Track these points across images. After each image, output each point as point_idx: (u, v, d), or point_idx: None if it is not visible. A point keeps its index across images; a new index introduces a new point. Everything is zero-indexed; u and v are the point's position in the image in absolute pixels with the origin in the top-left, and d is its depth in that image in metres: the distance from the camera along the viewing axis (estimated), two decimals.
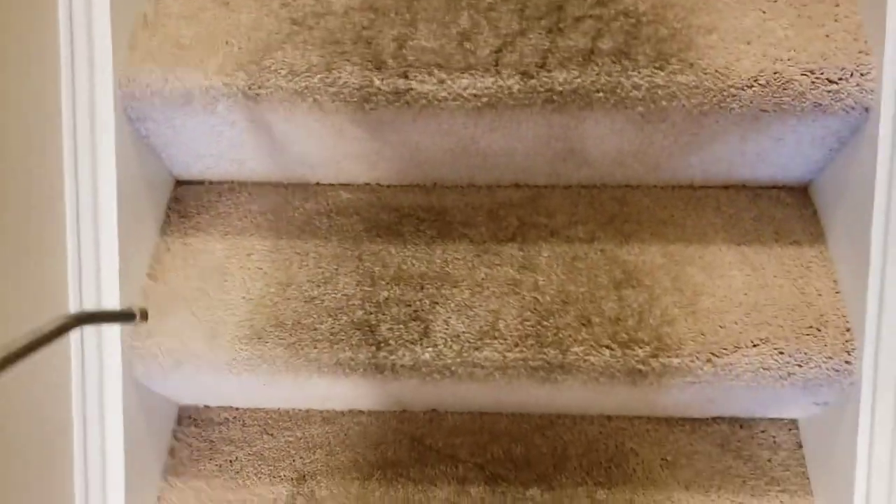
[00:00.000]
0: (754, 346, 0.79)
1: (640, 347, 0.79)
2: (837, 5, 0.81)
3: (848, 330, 0.79)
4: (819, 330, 0.80)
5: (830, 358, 0.78)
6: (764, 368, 0.78)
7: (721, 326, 0.80)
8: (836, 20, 0.79)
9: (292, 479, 0.88)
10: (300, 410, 0.92)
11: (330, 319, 0.81)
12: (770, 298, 0.82)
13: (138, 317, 0.77)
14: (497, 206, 0.90)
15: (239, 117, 0.80)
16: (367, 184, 0.92)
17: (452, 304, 0.82)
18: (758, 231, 0.87)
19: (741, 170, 0.87)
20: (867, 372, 0.77)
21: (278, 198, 0.91)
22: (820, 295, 0.82)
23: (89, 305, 0.78)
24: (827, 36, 0.78)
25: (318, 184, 0.92)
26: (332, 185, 0.92)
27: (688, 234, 0.86)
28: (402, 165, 0.88)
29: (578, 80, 0.76)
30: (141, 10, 0.83)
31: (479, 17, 0.81)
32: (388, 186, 0.92)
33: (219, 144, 0.85)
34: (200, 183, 0.92)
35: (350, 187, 0.92)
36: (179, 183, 0.93)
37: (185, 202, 0.91)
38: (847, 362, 0.78)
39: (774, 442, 0.91)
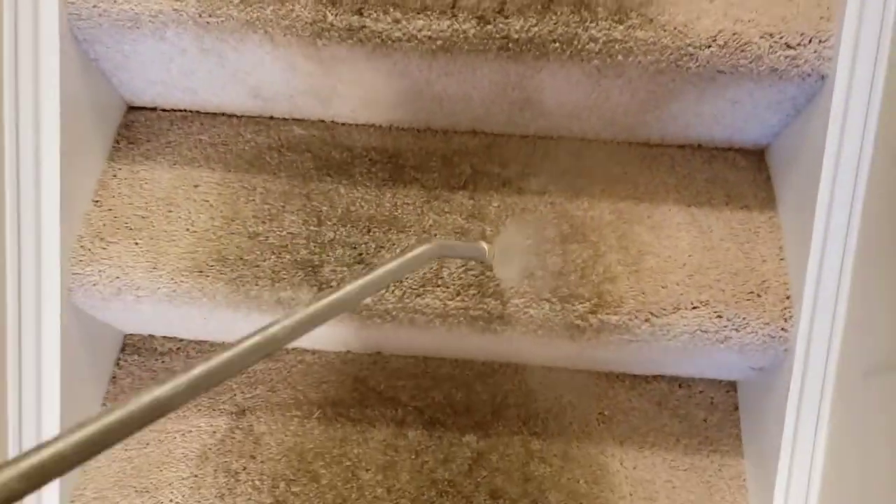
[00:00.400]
0: (693, 308, 0.79)
1: (580, 303, 0.79)
2: None
3: (788, 297, 0.80)
4: (759, 296, 0.80)
5: (767, 324, 0.79)
6: (701, 331, 0.79)
7: (663, 287, 0.81)
8: None
9: (232, 412, 0.89)
10: None
11: (273, 257, 0.80)
12: (714, 261, 0.82)
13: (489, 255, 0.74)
14: (452, 152, 0.89)
15: (189, 45, 0.78)
16: (322, 120, 0.91)
17: (398, 249, 0.82)
18: (709, 193, 0.87)
19: (697, 130, 0.87)
20: (801, 340, 0.78)
21: (230, 129, 0.89)
22: (764, 261, 0.83)
23: (27, 224, 0.77)
24: (789, 0, 0.77)
25: (271, 117, 0.91)
26: (285, 119, 0.91)
27: (639, 192, 0.86)
28: (357, 104, 0.87)
29: (535, 28, 0.74)
30: None
31: None
32: (343, 124, 0.91)
33: (170, 72, 0.83)
34: (153, 110, 0.91)
35: (304, 123, 0.90)
36: (131, 109, 0.91)
37: (136, 129, 0.89)
38: (783, 329, 0.79)
39: (711, 403, 0.93)
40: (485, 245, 0.74)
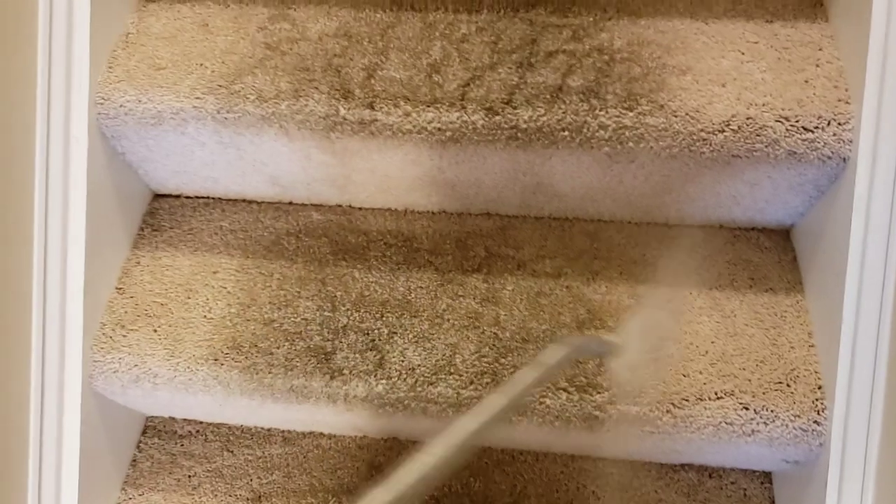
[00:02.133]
0: (718, 398, 0.76)
1: (598, 393, 0.77)
2: (820, 49, 0.78)
3: (820, 387, 0.76)
4: (788, 385, 0.76)
5: (798, 416, 0.75)
6: (726, 423, 0.75)
7: (684, 375, 0.77)
8: (817, 65, 0.77)
9: (248, 498, 0.88)
10: (262, 429, 0.93)
11: (287, 344, 0.81)
12: (739, 348, 0.79)
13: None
14: (466, 234, 0.89)
15: (208, 139, 0.81)
16: (339, 205, 0.92)
17: (411, 335, 0.81)
18: (732, 275, 0.84)
19: (717, 210, 0.85)
20: (836, 434, 0.74)
21: (250, 216, 0.91)
22: (793, 347, 0.79)
23: (52, 312, 0.79)
24: (806, 81, 0.75)
25: (290, 203, 0.92)
26: (304, 204, 0.92)
27: (658, 275, 0.84)
28: (372, 190, 0.88)
29: (544, 118, 0.75)
30: (124, 30, 0.84)
31: (452, 48, 0.81)
32: (360, 209, 0.92)
33: (191, 162, 0.86)
34: (177, 197, 0.94)
35: (322, 208, 0.92)
36: (157, 196, 0.94)
37: (160, 216, 0.92)
38: (816, 422, 0.75)
39: (745, 495, 0.88)
40: (613, 338, 0.73)
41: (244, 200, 0.93)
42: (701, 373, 0.77)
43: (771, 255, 0.85)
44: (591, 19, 0.82)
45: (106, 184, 0.83)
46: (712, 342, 0.79)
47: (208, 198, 0.93)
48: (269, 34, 0.83)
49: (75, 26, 0.79)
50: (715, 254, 0.85)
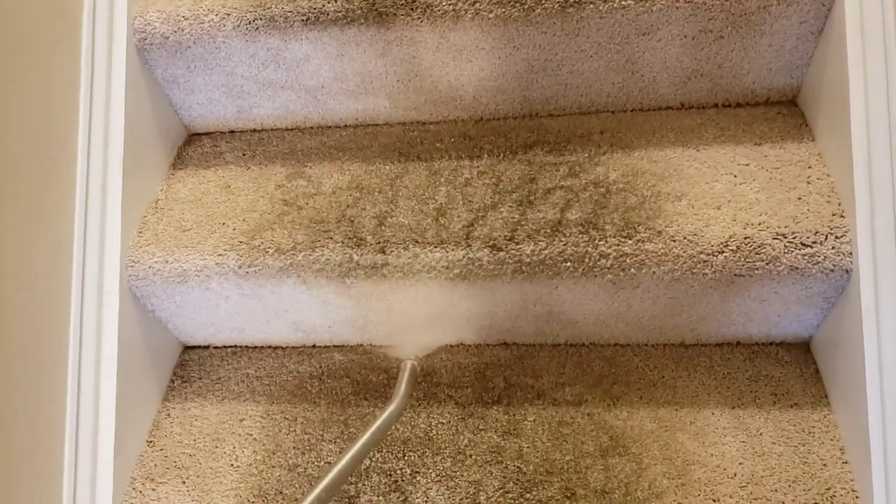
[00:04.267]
0: None
1: None
2: (810, 167, 0.81)
3: None
4: None
5: None
6: None
7: (714, 500, 0.75)
8: (808, 182, 0.79)
9: None
10: None
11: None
12: (768, 468, 0.77)
13: None
14: (484, 366, 0.90)
15: (231, 292, 0.86)
16: (360, 344, 0.95)
17: (433, 474, 0.81)
18: (754, 393, 0.83)
19: (732, 328, 0.85)
20: None
21: (275, 361, 0.94)
22: (825, 465, 0.76)
23: (84, 470, 0.81)
24: (799, 198, 0.78)
25: (314, 346, 0.95)
26: (326, 346, 0.95)
27: (678, 396, 0.84)
28: (390, 329, 0.91)
29: (546, 251, 0.78)
30: (154, 197, 0.92)
31: (456, 192, 0.86)
32: (380, 346, 0.94)
33: (217, 315, 0.90)
34: (205, 348, 0.98)
35: (343, 348, 0.95)
36: (187, 348, 0.98)
37: (190, 367, 0.96)
38: None
39: None
40: None
41: (270, 347, 0.96)
42: (731, 497, 0.75)
43: (792, 369, 0.84)
44: (587, 155, 0.87)
45: (137, 341, 0.88)
46: (740, 463, 0.77)
47: (235, 346, 0.97)
48: (286, 191, 0.89)
49: (109, 199, 0.86)
50: (735, 371, 0.85)
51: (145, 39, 0.88)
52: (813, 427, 0.79)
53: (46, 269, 0.79)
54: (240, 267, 0.83)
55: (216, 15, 0.86)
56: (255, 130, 1.00)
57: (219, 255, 0.84)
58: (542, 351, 0.90)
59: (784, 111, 0.89)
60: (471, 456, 0.82)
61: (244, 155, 0.96)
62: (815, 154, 0.82)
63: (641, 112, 0.92)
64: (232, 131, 1.00)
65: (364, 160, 0.92)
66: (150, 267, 0.85)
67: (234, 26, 0.86)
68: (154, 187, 0.93)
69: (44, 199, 0.80)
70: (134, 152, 0.88)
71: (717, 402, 0.83)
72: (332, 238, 0.83)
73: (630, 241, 0.77)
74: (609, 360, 0.88)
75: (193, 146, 0.99)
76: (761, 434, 0.79)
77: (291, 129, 0.99)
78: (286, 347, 0.96)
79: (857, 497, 0.74)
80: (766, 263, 0.75)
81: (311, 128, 0.98)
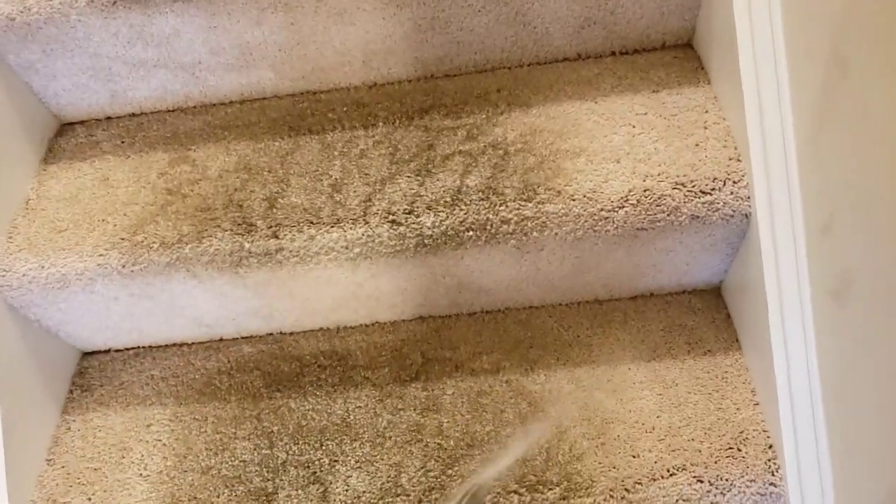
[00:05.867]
0: (671, 475, 0.74)
1: (550, 489, 0.74)
2: (706, 112, 0.79)
3: (771, 447, 0.74)
4: (739, 450, 0.74)
5: (753, 481, 0.73)
6: (683, 500, 0.73)
7: (634, 456, 0.75)
8: (705, 127, 0.78)
9: None
10: None
11: (227, 491, 0.78)
12: (685, 418, 0.77)
13: None
14: (401, 342, 0.87)
15: (119, 293, 0.80)
16: (270, 333, 0.90)
17: (353, 461, 0.78)
18: (669, 343, 0.83)
19: (642, 280, 0.84)
20: (794, 494, 0.71)
21: (181, 359, 0.89)
22: (738, 409, 0.77)
23: None
24: (697, 145, 0.77)
25: (221, 339, 0.91)
26: (234, 339, 0.91)
27: (594, 354, 0.83)
28: (297, 315, 0.87)
29: (447, 221, 0.75)
30: (24, 196, 0.84)
31: (351, 165, 0.81)
32: (290, 334, 0.90)
33: (110, 318, 0.84)
34: (106, 352, 0.92)
35: (252, 339, 0.90)
36: (86, 354, 0.92)
37: (90, 375, 0.90)
38: (773, 484, 0.73)
39: None
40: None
41: (174, 345, 0.91)
42: (650, 451, 0.75)
43: (705, 316, 0.84)
44: (484, 116, 0.83)
45: (21, 355, 0.81)
46: (658, 416, 0.77)
47: (138, 348, 0.91)
48: (169, 179, 0.83)
49: None
50: (649, 324, 0.85)
51: None
52: (726, 372, 0.80)
53: None
54: (123, 266, 0.77)
55: None
56: (133, 115, 0.92)
57: (99, 255, 0.77)
58: (458, 321, 0.88)
59: (680, 55, 0.87)
60: (390, 438, 0.79)
61: (122, 143, 0.89)
62: (712, 97, 0.81)
63: (538, 66, 0.89)
64: (108, 118, 0.92)
65: (251, 138, 0.86)
66: (24, 275, 0.78)
67: (88, 2, 0.78)
68: (23, 186, 0.85)
69: None
70: None
71: (633, 357, 0.82)
72: (220, 226, 0.78)
73: (530, 204, 0.75)
74: (524, 324, 0.87)
75: (66, 137, 0.91)
76: (677, 385, 0.79)
77: (172, 111, 0.92)
78: (192, 344, 0.91)
79: (767, 437, 0.75)
80: (667, 214, 0.74)
81: (194, 107, 0.91)
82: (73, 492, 0.80)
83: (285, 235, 0.76)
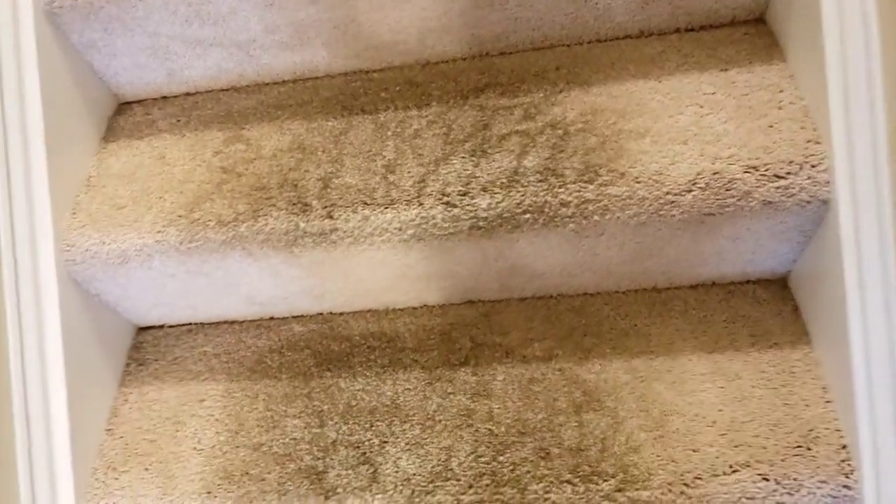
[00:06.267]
0: (733, 471, 0.71)
1: (605, 480, 0.72)
2: (781, 91, 0.75)
3: (844, 447, 0.70)
4: (809, 448, 0.71)
5: (825, 482, 0.69)
6: (747, 498, 0.70)
7: (694, 450, 0.72)
8: (779, 107, 0.74)
9: None
10: None
11: (277, 468, 0.78)
12: (749, 413, 0.74)
13: None
14: (450, 326, 0.86)
15: (176, 269, 0.81)
16: (320, 313, 0.90)
17: (403, 442, 0.78)
18: (731, 335, 0.79)
19: (704, 268, 0.81)
20: (870, 497, 0.67)
21: (232, 337, 0.90)
22: (807, 405, 0.73)
23: (39, 465, 0.78)
24: (771, 126, 0.72)
25: (272, 318, 0.91)
26: (285, 318, 0.91)
27: (653, 344, 0.80)
28: (348, 295, 0.86)
29: (503, 204, 0.73)
30: (85, 174, 0.86)
31: (405, 145, 0.80)
32: (340, 314, 0.90)
33: (166, 294, 0.86)
34: (160, 328, 0.93)
35: (303, 318, 0.90)
36: (141, 330, 0.94)
37: (145, 349, 0.91)
38: (846, 486, 0.69)
39: None
40: None
41: (226, 322, 0.92)
42: (711, 446, 0.72)
43: (770, 307, 0.80)
44: (542, 95, 0.80)
45: (83, 328, 0.83)
46: (719, 410, 0.74)
47: (191, 324, 0.92)
48: (224, 157, 0.83)
49: (34, 180, 0.80)
50: (710, 314, 0.81)
51: (53, 2, 0.80)
52: (794, 367, 0.76)
53: None
54: (181, 243, 0.78)
55: None
56: (188, 94, 0.93)
57: (158, 231, 0.78)
58: (508, 306, 0.86)
59: (751, 31, 0.82)
60: (440, 421, 0.78)
61: (178, 121, 0.89)
62: (787, 76, 0.76)
63: (599, 43, 0.85)
64: (164, 97, 0.93)
65: (305, 117, 0.85)
66: (87, 250, 0.79)
67: None
68: (85, 163, 0.86)
69: None
70: (57, 127, 0.82)
71: (694, 348, 0.79)
72: (275, 205, 0.77)
73: (592, 186, 0.72)
74: (578, 311, 0.84)
75: (125, 116, 0.92)
76: (740, 378, 0.76)
77: (227, 90, 0.92)
78: (243, 322, 0.92)
79: (841, 436, 0.71)
80: (738, 199, 0.70)
81: (248, 86, 0.91)
82: (132, 462, 0.82)
83: (339, 216, 0.75)
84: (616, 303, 0.84)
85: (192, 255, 0.78)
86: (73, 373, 0.80)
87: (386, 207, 0.75)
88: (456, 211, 0.74)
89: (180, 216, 0.79)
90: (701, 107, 0.76)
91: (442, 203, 0.74)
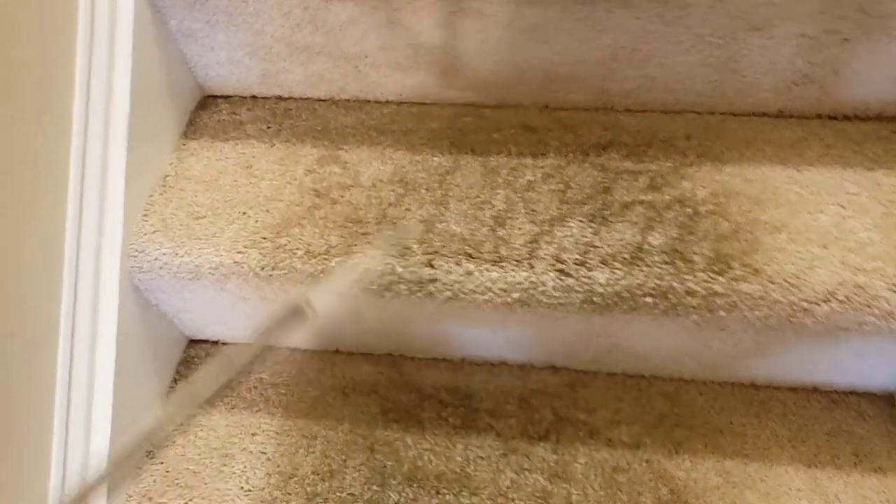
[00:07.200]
0: None
1: None
2: None
3: None
4: None
5: None
6: None
7: None
8: None
9: None
10: None
11: None
12: None
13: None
14: (530, 392, 0.80)
15: (251, 294, 0.74)
16: (389, 354, 0.84)
17: None
18: (833, 450, 0.74)
19: (813, 374, 0.76)
20: None
21: (292, 367, 0.84)
22: None
23: (73, 470, 0.72)
24: None
25: (337, 351, 0.85)
26: (351, 353, 0.85)
27: (748, 447, 0.75)
28: (426, 344, 0.80)
29: (623, 281, 0.67)
30: (162, 172, 0.79)
31: (516, 197, 0.74)
32: (412, 359, 0.84)
33: (232, 315, 0.79)
34: (214, 343, 0.87)
35: (371, 357, 0.84)
36: (192, 342, 0.87)
37: (195, 365, 0.85)
38: None
39: None
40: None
41: (287, 347, 0.86)
42: None
43: (876, 425, 0.76)
44: (671, 165, 0.75)
45: (138, 337, 0.77)
46: None
47: (249, 345, 0.86)
48: (318, 179, 0.77)
49: (110, 172, 0.73)
50: (811, 423, 0.76)
51: None
52: None
53: (33, 256, 0.67)
54: (262, 268, 0.71)
55: None
56: (280, 98, 0.86)
57: (238, 252, 0.72)
58: (595, 380, 0.81)
59: None
60: (513, 500, 0.73)
61: (268, 128, 0.83)
62: None
63: (733, 117, 0.80)
64: (254, 96, 0.87)
65: (409, 148, 0.79)
66: (156, 259, 0.73)
67: None
68: (163, 160, 0.80)
69: (33, 173, 0.67)
70: (142, 118, 0.75)
71: (791, 458, 0.74)
72: (370, 242, 0.71)
73: (722, 279, 0.66)
74: (671, 398, 0.79)
75: (209, 111, 0.86)
76: (839, 500, 0.71)
77: (323, 100, 0.85)
78: (305, 350, 0.85)
79: None
80: (879, 319, 0.65)
81: (347, 100, 0.85)
82: (171, 493, 0.75)
83: (441, 266, 0.69)
84: (711, 394, 0.79)
85: (273, 282, 0.72)
86: (121, 384, 0.74)
87: (493, 265, 0.69)
88: (570, 281, 0.68)
89: (265, 238, 0.72)
90: (843, 207, 0.70)
91: (555, 270, 0.68)
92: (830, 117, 0.79)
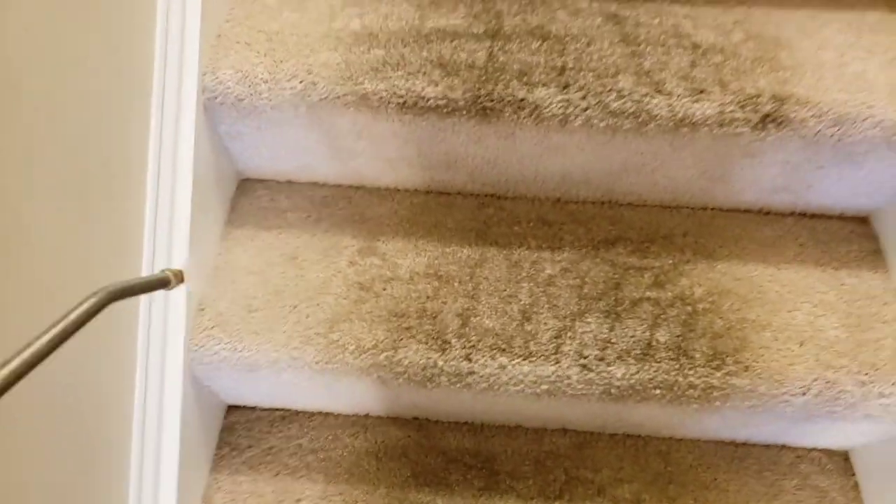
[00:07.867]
0: None
1: None
2: (885, 304, 0.83)
3: None
4: None
5: None
6: None
7: None
8: (884, 322, 0.82)
9: None
10: None
11: None
12: None
13: (173, 281, 0.72)
14: (544, 454, 0.91)
15: (303, 382, 0.82)
16: (416, 418, 0.94)
17: None
18: (799, 502, 0.89)
19: (783, 439, 0.90)
20: None
21: (328, 432, 0.92)
22: None
23: None
24: (877, 341, 0.81)
25: (367, 415, 0.94)
26: (380, 417, 0.94)
27: (730, 502, 0.88)
28: (453, 411, 0.90)
29: (636, 376, 0.78)
30: (212, 262, 0.85)
31: (539, 290, 0.84)
32: (437, 422, 0.94)
33: (278, 390, 0.87)
34: (251, 409, 0.94)
35: (398, 422, 0.93)
36: (230, 408, 0.94)
37: (237, 432, 0.92)
38: None
39: None
40: (168, 272, 0.73)
41: (320, 413, 0.94)
42: None
43: (835, 479, 0.90)
44: (671, 262, 0.86)
45: (194, 417, 0.83)
46: None
47: (284, 410, 0.94)
48: (360, 271, 0.85)
49: (174, 263, 0.79)
50: (781, 478, 0.90)
51: (215, 98, 0.78)
52: None
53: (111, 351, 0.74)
54: (316, 363, 0.79)
55: (300, 82, 0.77)
56: (315, 184, 0.93)
57: (294, 347, 0.79)
58: (599, 441, 0.93)
59: (857, 230, 0.90)
60: None
61: (308, 217, 0.89)
62: (891, 290, 0.85)
63: (721, 213, 0.91)
64: (290, 181, 0.93)
65: (440, 240, 0.87)
66: (215, 353, 0.79)
67: (321, 98, 0.78)
68: (212, 250, 0.86)
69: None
70: (197, 210, 0.80)
71: None
72: (414, 337, 0.80)
73: (718, 374, 0.78)
74: (665, 457, 0.91)
75: (247, 197, 0.91)
76: None
77: (357, 188, 0.92)
78: (338, 416, 0.94)
79: None
80: (844, 409, 0.78)
81: (379, 188, 0.92)
82: None
83: (477, 360, 0.79)
84: (699, 452, 0.92)
85: (325, 374, 0.80)
86: (183, 465, 0.81)
87: (524, 359, 0.79)
88: (591, 375, 0.79)
89: (318, 334, 0.80)
90: (815, 306, 0.83)
91: (578, 365, 0.79)
92: (801, 214, 0.91)
